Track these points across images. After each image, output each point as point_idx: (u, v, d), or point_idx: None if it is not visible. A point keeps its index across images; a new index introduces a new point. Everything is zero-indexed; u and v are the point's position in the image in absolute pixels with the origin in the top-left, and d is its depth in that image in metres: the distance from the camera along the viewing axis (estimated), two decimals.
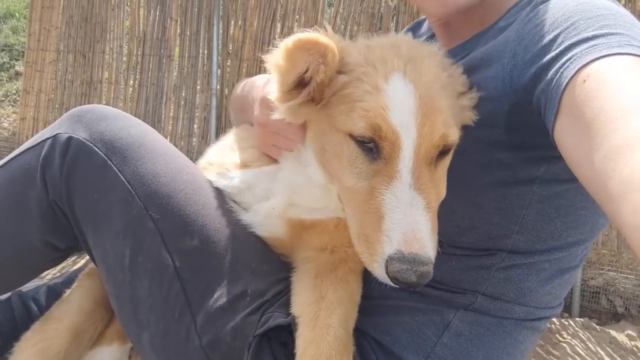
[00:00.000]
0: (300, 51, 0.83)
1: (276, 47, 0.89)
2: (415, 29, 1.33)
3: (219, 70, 4.88)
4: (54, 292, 1.43)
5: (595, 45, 0.75)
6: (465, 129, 0.94)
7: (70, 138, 1.08)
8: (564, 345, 3.31)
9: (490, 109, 0.91)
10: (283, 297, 1.02)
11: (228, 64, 4.88)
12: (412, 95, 0.83)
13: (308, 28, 0.87)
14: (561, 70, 0.76)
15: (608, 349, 3.23)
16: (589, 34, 0.77)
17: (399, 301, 1.02)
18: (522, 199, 0.95)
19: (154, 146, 1.11)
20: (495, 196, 0.96)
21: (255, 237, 1.08)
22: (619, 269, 3.67)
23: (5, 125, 6.23)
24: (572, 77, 0.73)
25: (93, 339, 1.23)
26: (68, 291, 1.24)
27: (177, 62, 4.98)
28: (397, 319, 1.01)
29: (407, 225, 0.78)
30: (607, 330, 3.36)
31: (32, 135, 5.35)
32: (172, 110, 4.81)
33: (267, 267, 1.05)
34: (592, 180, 0.69)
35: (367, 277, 1.05)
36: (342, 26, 4.20)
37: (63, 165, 1.06)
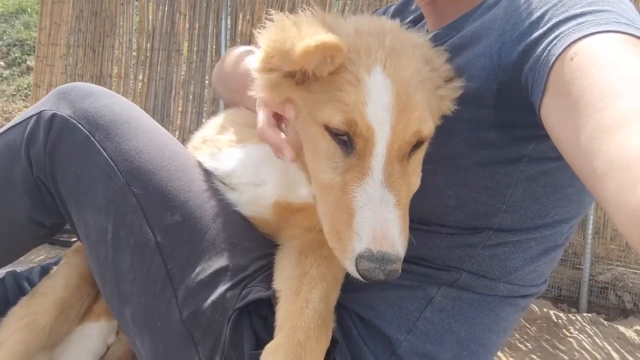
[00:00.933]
0: (318, 53, 0.80)
1: (271, 21, 0.89)
2: (405, 5, 1.33)
3: None
4: (48, 273, 1.45)
5: (583, 22, 0.74)
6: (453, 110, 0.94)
7: (54, 115, 1.08)
8: (571, 340, 3.30)
9: (478, 87, 0.91)
10: (264, 272, 1.02)
11: None
12: (389, 92, 0.82)
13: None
14: (549, 47, 0.76)
15: (615, 344, 3.21)
16: (577, 11, 0.76)
17: None
18: (509, 178, 0.95)
19: (138, 123, 1.11)
20: (483, 175, 0.95)
21: (238, 214, 1.08)
22: (627, 265, 3.65)
23: None
24: (559, 55, 0.73)
25: (80, 315, 1.23)
26: (56, 267, 1.26)
27: (185, 57, 5.00)
28: (380, 294, 1.01)
29: (377, 223, 0.78)
30: (615, 325, 3.33)
31: None
32: (180, 105, 4.84)
33: (250, 243, 1.05)
34: (578, 158, 0.69)
35: None
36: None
37: (47, 142, 1.07)
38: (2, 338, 1.13)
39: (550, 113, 0.75)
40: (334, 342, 0.95)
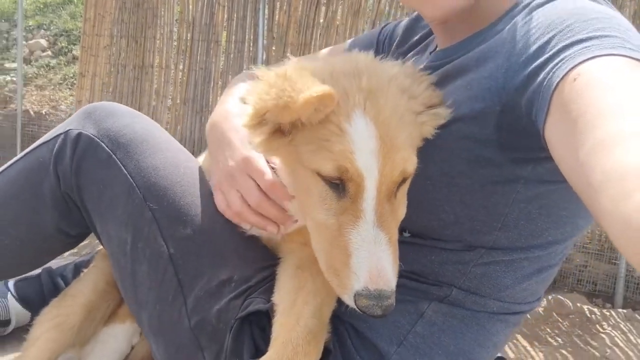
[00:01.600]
0: (318, 104, 0.85)
1: (260, 79, 0.93)
2: (416, 21, 1.35)
3: (264, 55, 4.96)
4: (80, 270, 1.56)
5: (589, 46, 0.76)
6: (455, 126, 0.97)
7: (79, 134, 1.17)
8: (604, 336, 3.27)
9: (482, 107, 0.93)
10: (267, 284, 1.08)
11: (273, 48, 4.96)
12: (373, 137, 0.87)
13: (295, 54, 0.91)
14: (553, 70, 0.78)
15: None
16: (583, 36, 0.78)
17: None
18: (506, 198, 0.97)
19: (156, 142, 1.19)
20: (481, 194, 0.98)
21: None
22: None
23: (63, 107, 6.54)
24: (563, 77, 0.75)
25: (106, 316, 1.34)
26: (85, 271, 1.36)
27: (224, 47, 5.08)
28: None
29: (372, 263, 0.84)
30: None
31: None
32: (219, 94, 4.91)
33: (253, 255, 1.12)
34: (576, 174, 0.70)
35: None
36: (387, 10, 4.21)
37: (73, 159, 1.16)
38: (35, 336, 1.24)
39: (553, 133, 0.77)
40: (327, 351, 1.01)
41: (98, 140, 1.16)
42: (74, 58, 7.14)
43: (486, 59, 0.96)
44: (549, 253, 1.05)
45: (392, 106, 0.90)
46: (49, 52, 7.37)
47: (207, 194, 1.16)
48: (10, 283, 1.62)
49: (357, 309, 0.86)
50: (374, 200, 0.87)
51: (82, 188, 1.16)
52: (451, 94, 1.00)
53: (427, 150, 0.98)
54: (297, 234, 1.10)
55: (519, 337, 4.39)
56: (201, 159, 1.31)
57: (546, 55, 0.81)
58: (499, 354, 3.54)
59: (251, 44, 4.97)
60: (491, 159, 0.95)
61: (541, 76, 0.80)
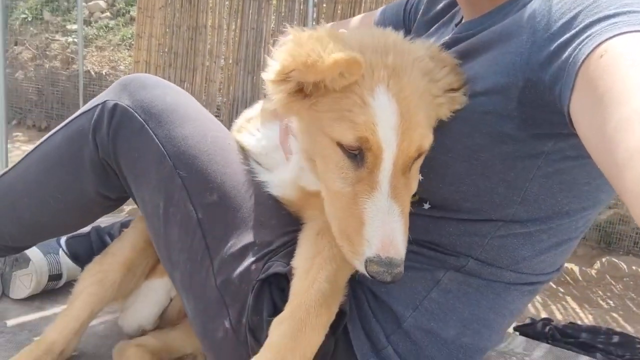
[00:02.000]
0: (346, 67, 0.88)
1: (292, 38, 0.93)
2: None
3: (315, 13, 4.95)
4: (125, 229, 1.66)
5: (616, 22, 0.75)
6: (479, 101, 0.98)
7: (116, 105, 1.25)
8: None
9: (505, 82, 0.94)
10: (288, 248, 1.14)
11: (324, 6, 4.94)
12: (395, 114, 0.90)
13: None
14: (579, 47, 0.77)
15: None
16: (611, 12, 0.77)
17: None
18: (527, 173, 0.98)
19: (185, 111, 1.26)
20: (502, 168, 0.99)
21: (268, 194, 1.20)
22: None
23: (122, 68, 6.75)
24: (589, 53, 0.74)
25: (145, 273, 1.43)
26: (125, 230, 1.46)
27: (275, 6, 5.09)
28: None
29: (385, 232, 0.89)
30: None
31: None
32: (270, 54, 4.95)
33: (276, 221, 1.17)
34: (600, 150, 0.71)
35: None
36: None
37: (110, 129, 1.24)
38: (78, 290, 1.35)
39: (578, 110, 0.77)
40: (343, 313, 1.07)
41: (132, 110, 1.24)
42: (132, 19, 7.30)
43: (511, 33, 0.95)
44: (570, 226, 1.06)
45: (414, 86, 0.93)
46: (108, 14, 7.55)
47: (232, 162, 1.22)
48: (62, 240, 1.75)
49: (367, 275, 0.90)
50: (389, 173, 0.91)
51: (119, 155, 1.24)
52: (475, 68, 1.01)
53: (450, 124, 1.00)
54: (318, 203, 1.14)
55: (568, 299, 4.38)
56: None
57: (572, 32, 0.80)
58: (545, 315, 3.55)
59: (302, 3, 4.96)
60: (512, 135, 0.96)
61: (567, 52, 0.80)
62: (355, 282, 1.12)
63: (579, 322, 3.85)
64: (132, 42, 6.59)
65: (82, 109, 1.31)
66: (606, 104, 0.69)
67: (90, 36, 7.32)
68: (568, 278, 4.74)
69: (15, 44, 7.69)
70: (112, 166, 1.27)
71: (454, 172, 1.02)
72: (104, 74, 6.68)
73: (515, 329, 3.60)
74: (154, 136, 1.22)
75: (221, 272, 1.14)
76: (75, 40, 6.97)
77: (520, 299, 1.13)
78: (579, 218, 1.05)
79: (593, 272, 4.81)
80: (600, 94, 0.70)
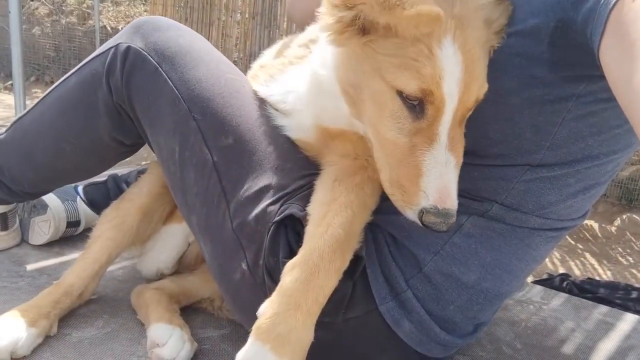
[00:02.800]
0: (424, 22, 0.84)
1: None
2: None
3: None
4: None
5: None
6: (509, 42, 0.96)
7: (128, 47, 1.22)
8: None
9: (536, 23, 0.91)
10: (303, 192, 1.12)
11: None
12: (460, 66, 0.88)
13: None
14: None
15: None
16: None
17: None
18: (556, 116, 0.96)
19: (199, 54, 1.23)
20: (530, 112, 0.97)
21: (283, 137, 1.18)
22: None
23: None
24: None
25: (162, 218, 1.44)
26: (142, 175, 1.46)
27: None
28: None
29: (442, 184, 0.89)
30: None
31: None
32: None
33: (292, 164, 1.15)
34: (628, 100, 0.70)
35: None
36: None
37: (123, 72, 1.22)
38: (96, 235, 1.36)
39: (608, 55, 0.75)
40: (359, 258, 1.06)
41: (145, 53, 1.21)
42: None
43: None
44: (598, 170, 1.03)
45: (476, 36, 0.91)
46: None
47: (247, 105, 1.20)
48: (80, 188, 1.76)
49: (419, 223, 0.91)
50: (448, 124, 0.90)
51: (133, 99, 1.22)
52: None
53: None
54: (338, 146, 1.13)
55: (587, 255, 4.36)
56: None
57: None
58: (563, 271, 3.53)
59: None
60: (543, 78, 0.94)
61: None
62: (375, 226, 1.11)
63: (597, 278, 3.84)
64: None
65: (96, 52, 1.29)
66: (636, 53, 0.67)
67: None
68: (587, 234, 4.73)
69: (32, 0, 7.67)
70: (126, 110, 1.25)
71: (481, 116, 0.99)
72: (119, 29, 6.64)
73: (533, 283, 3.61)
74: (168, 79, 1.20)
75: (237, 215, 1.13)
76: None
77: (543, 245, 1.11)
78: (608, 161, 1.03)
79: (613, 229, 4.78)
80: (631, 42, 0.69)
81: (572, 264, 4.23)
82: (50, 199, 1.66)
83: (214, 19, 5.88)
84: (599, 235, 4.81)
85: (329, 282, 0.97)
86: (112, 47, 1.24)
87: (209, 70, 1.21)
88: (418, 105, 0.90)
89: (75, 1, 7.30)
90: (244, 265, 1.12)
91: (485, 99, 0.96)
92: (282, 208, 1.10)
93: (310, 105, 1.13)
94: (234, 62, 6.01)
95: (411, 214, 0.92)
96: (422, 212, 0.90)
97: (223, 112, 1.17)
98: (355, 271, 1.06)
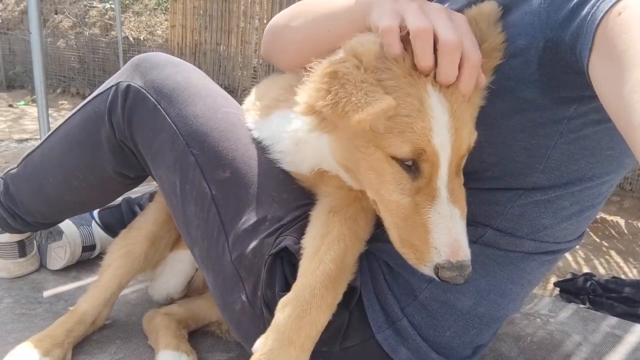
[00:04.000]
0: (375, 120, 0.86)
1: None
2: None
3: None
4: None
5: None
6: (499, 66, 0.96)
7: (128, 86, 1.26)
8: None
9: (525, 44, 0.92)
10: (299, 222, 1.15)
11: None
12: (447, 112, 0.88)
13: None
14: (597, 4, 0.75)
15: None
16: None
17: None
18: (548, 140, 0.97)
19: (196, 89, 1.26)
20: (523, 136, 0.98)
21: (279, 169, 1.20)
22: None
23: (159, 32, 6.79)
24: (607, 11, 0.73)
25: (169, 245, 1.48)
26: (148, 204, 1.51)
27: None
28: None
29: (451, 238, 0.89)
30: None
31: (182, 42, 5.76)
32: None
33: (287, 195, 1.18)
34: (619, 112, 0.70)
35: None
36: None
37: (124, 110, 1.26)
38: (107, 263, 1.41)
39: (597, 70, 0.75)
40: (354, 289, 1.08)
41: (145, 91, 1.25)
42: None
43: None
44: (592, 191, 1.04)
45: (466, 97, 0.91)
46: None
47: (242, 138, 1.22)
48: (95, 212, 1.82)
49: (437, 279, 0.91)
50: (446, 177, 0.90)
51: (135, 136, 1.27)
52: None
53: None
54: (332, 179, 1.14)
55: (612, 253, 4.29)
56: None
57: None
58: (587, 270, 3.49)
59: None
60: (534, 100, 0.94)
61: (585, 10, 0.78)
62: (371, 255, 1.13)
63: (623, 277, 3.78)
64: (168, 6, 6.62)
65: (98, 90, 1.34)
66: (624, 64, 0.68)
67: (127, 1, 7.36)
68: (613, 231, 4.64)
69: (56, 13, 7.82)
70: (129, 146, 1.30)
71: (476, 140, 0.98)
72: (142, 39, 6.74)
73: (556, 284, 3.57)
74: (166, 115, 1.24)
75: (236, 247, 1.16)
76: (113, 6, 7.04)
77: (538, 269, 1.12)
78: (602, 183, 1.03)
79: None
80: (619, 54, 0.69)
81: (596, 262, 4.17)
82: (65, 225, 1.72)
83: (232, 26, 5.94)
84: (625, 232, 4.72)
85: (321, 317, 1.00)
86: (113, 86, 1.29)
87: (205, 105, 1.25)
88: (413, 165, 0.90)
89: (97, 13, 7.43)
90: (243, 297, 1.15)
91: (479, 123, 0.96)
92: (277, 240, 1.13)
93: (303, 157, 1.15)
94: (254, 69, 6.06)
95: (427, 271, 0.92)
96: (437, 269, 0.90)
97: (219, 147, 1.20)
98: (350, 301, 1.09)
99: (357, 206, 1.12)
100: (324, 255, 1.04)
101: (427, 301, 1.09)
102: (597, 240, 4.46)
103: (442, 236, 0.89)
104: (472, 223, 1.05)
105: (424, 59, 0.87)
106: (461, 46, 0.88)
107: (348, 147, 0.97)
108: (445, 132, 0.87)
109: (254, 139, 1.23)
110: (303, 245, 1.09)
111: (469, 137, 0.91)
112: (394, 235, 0.97)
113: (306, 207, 1.17)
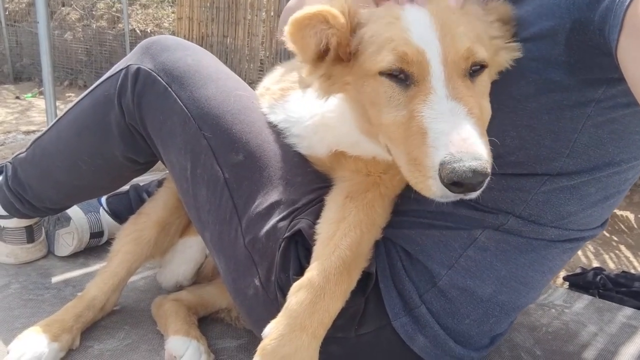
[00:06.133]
0: (302, 30, 0.89)
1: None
2: None
3: None
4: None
5: None
6: (525, 47, 0.93)
7: (138, 69, 1.24)
8: None
9: (551, 25, 0.89)
10: (314, 205, 1.13)
11: None
12: (429, 18, 0.86)
13: None
14: None
15: None
16: None
17: (430, 220, 1.08)
18: (575, 123, 0.94)
19: (207, 72, 1.24)
20: (548, 119, 0.95)
21: (293, 152, 1.18)
22: None
23: (166, 25, 6.77)
24: None
25: (178, 231, 1.46)
26: (158, 190, 1.48)
27: None
28: (426, 232, 1.08)
29: (452, 130, 0.78)
30: None
31: (189, 35, 5.76)
32: None
33: (301, 179, 1.16)
34: None
35: (403, 195, 1.12)
36: None
37: (134, 93, 1.24)
38: (116, 249, 1.39)
39: (626, 53, 0.74)
40: (370, 275, 1.06)
41: (155, 74, 1.23)
42: None
43: None
44: (618, 177, 1.01)
45: (456, 11, 0.91)
46: None
47: (256, 121, 1.20)
48: (102, 199, 1.80)
49: (448, 192, 0.79)
50: (442, 74, 0.84)
51: (145, 119, 1.24)
52: (521, 13, 0.97)
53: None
54: (350, 163, 1.13)
55: (622, 247, 4.26)
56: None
57: None
58: (597, 264, 3.45)
59: None
60: (560, 82, 0.91)
61: None
62: (388, 241, 1.11)
63: (633, 271, 3.75)
64: None
65: (107, 73, 1.32)
66: None
67: None
68: (622, 226, 4.60)
69: (63, 5, 7.81)
70: (139, 130, 1.27)
71: (499, 123, 0.96)
72: (149, 31, 6.72)
73: (565, 278, 3.54)
74: (177, 98, 1.21)
75: (249, 231, 1.14)
76: None
77: (560, 256, 1.09)
78: (629, 168, 1.00)
79: None
80: None
81: (606, 257, 4.13)
82: (73, 211, 1.70)
83: (239, 18, 5.91)
84: (635, 226, 4.69)
85: (334, 304, 0.98)
86: (122, 69, 1.27)
87: (217, 88, 1.22)
88: (404, 75, 0.87)
89: (104, 5, 7.42)
90: (256, 282, 1.13)
91: (502, 106, 0.94)
92: (292, 224, 1.11)
93: (322, 138, 1.14)
94: (261, 61, 6.04)
95: (435, 186, 0.80)
96: (441, 171, 0.77)
97: (233, 129, 1.18)
98: (366, 288, 1.06)
99: (375, 192, 1.09)
100: (340, 241, 1.02)
101: (446, 288, 1.07)
102: (607, 234, 4.43)
103: (440, 131, 0.79)
104: (494, 210, 1.03)
105: None
106: None
107: (357, 99, 0.97)
108: (428, 33, 0.85)
109: (268, 123, 1.21)
110: (318, 230, 1.07)
111: (467, 38, 0.86)
112: (401, 162, 0.89)
113: (321, 190, 1.15)
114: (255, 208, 1.15)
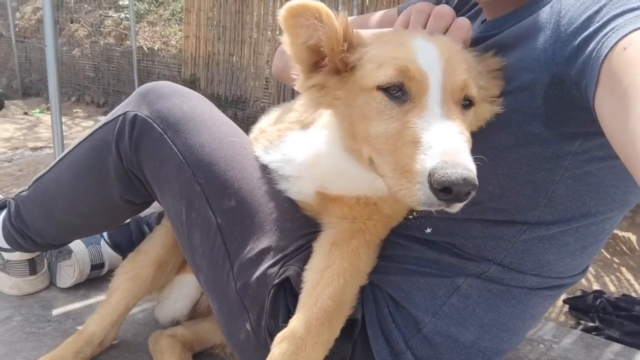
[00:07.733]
0: (295, 17, 0.93)
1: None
2: None
3: None
4: (162, 219, 1.73)
5: (639, 15, 0.74)
6: (505, 100, 0.97)
7: (135, 115, 1.29)
8: None
9: (531, 79, 0.93)
10: (303, 251, 1.16)
11: None
12: (435, 48, 0.91)
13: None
14: (603, 40, 0.76)
15: None
16: (634, 5, 0.76)
17: (414, 267, 1.12)
18: (553, 174, 0.97)
19: (202, 119, 1.28)
20: (528, 169, 0.98)
21: (283, 198, 1.22)
22: None
23: (173, 42, 6.84)
24: (612, 46, 0.73)
25: (175, 268, 1.50)
26: (156, 227, 1.53)
27: None
28: (411, 279, 1.11)
29: (445, 142, 0.81)
30: None
31: (196, 53, 5.81)
32: None
33: (291, 224, 1.19)
34: (625, 145, 0.70)
35: (389, 240, 1.16)
36: None
37: (131, 139, 1.28)
38: (114, 286, 1.43)
39: (603, 104, 0.76)
40: (355, 321, 1.10)
41: (151, 121, 1.28)
42: None
43: (535, 29, 0.94)
44: (596, 228, 1.04)
45: (457, 49, 0.96)
46: None
47: (248, 167, 1.24)
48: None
49: (434, 199, 0.80)
50: (439, 97, 0.88)
51: (142, 164, 1.29)
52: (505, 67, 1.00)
53: None
54: (336, 209, 1.16)
55: (623, 269, 4.25)
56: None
57: (596, 25, 0.79)
58: (597, 287, 3.45)
59: None
60: (539, 134, 0.95)
61: (591, 46, 0.79)
62: (375, 287, 1.14)
63: (634, 294, 3.74)
64: (182, 17, 6.68)
65: (105, 119, 1.36)
66: (629, 97, 0.68)
67: (142, 11, 7.43)
68: (624, 247, 4.59)
69: (71, 22, 7.92)
70: (136, 174, 1.32)
71: (480, 171, 0.99)
72: (156, 49, 6.80)
73: (565, 301, 3.54)
74: (173, 145, 1.26)
75: (240, 276, 1.18)
76: (127, 16, 7.11)
77: (541, 303, 1.13)
78: (605, 219, 1.04)
79: None
80: (624, 88, 0.70)
81: (607, 279, 4.12)
82: (75, 244, 1.75)
83: (245, 37, 5.98)
84: (637, 248, 4.67)
85: (316, 354, 1.01)
86: (120, 115, 1.31)
87: (211, 134, 1.27)
88: (401, 92, 0.90)
89: (112, 22, 7.51)
90: (247, 326, 1.16)
91: (484, 154, 0.97)
92: (281, 270, 1.14)
93: (311, 173, 1.17)
94: (266, 79, 6.09)
95: (421, 192, 0.81)
96: (430, 177, 0.78)
97: (225, 176, 1.22)
98: (352, 333, 1.10)
99: (360, 239, 1.13)
100: (322, 291, 1.05)
101: (430, 335, 1.10)
102: (608, 256, 4.42)
103: (433, 140, 0.81)
104: (476, 258, 1.07)
105: (414, 22, 1.04)
106: (451, 14, 1.02)
107: (345, 114, 1.01)
108: (432, 57, 0.90)
109: (260, 167, 1.25)
110: (304, 278, 1.11)
111: (466, 73, 0.92)
112: (386, 175, 0.90)
113: (310, 235, 1.19)
114: (246, 253, 1.18)
